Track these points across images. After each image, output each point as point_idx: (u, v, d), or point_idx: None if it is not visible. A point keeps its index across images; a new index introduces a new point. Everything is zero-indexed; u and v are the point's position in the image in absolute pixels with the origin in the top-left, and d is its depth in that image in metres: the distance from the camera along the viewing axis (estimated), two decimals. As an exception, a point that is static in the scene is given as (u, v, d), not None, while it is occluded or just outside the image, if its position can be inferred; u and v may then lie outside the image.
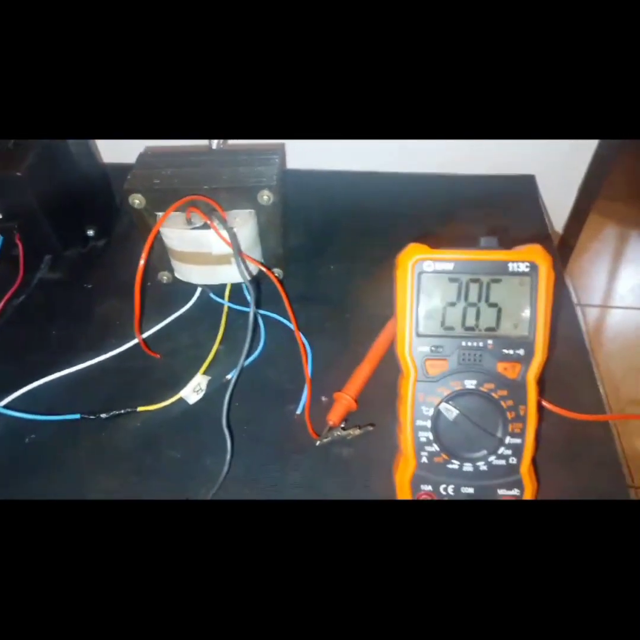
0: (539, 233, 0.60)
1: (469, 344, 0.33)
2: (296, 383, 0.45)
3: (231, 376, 0.44)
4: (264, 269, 0.48)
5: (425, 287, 0.33)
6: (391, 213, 0.60)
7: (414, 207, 0.61)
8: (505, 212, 0.61)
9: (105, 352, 0.48)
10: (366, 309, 0.52)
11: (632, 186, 1.87)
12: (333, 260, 0.57)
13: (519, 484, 0.34)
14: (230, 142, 0.56)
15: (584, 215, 0.79)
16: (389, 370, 0.37)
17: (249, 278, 0.45)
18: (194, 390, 0.45)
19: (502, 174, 0.66)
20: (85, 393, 0.45)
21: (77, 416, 0.43)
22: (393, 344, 0.35)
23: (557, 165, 0.68)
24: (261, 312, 0.51)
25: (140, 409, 0.44)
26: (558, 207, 0.74)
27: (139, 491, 0.40)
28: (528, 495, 0.34)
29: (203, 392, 0.45)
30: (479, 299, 0.33)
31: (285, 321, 0.50)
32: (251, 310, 0.42)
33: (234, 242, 0.44)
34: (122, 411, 0.44)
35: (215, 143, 0.53)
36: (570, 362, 0.47)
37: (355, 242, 0.59)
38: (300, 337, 0.46)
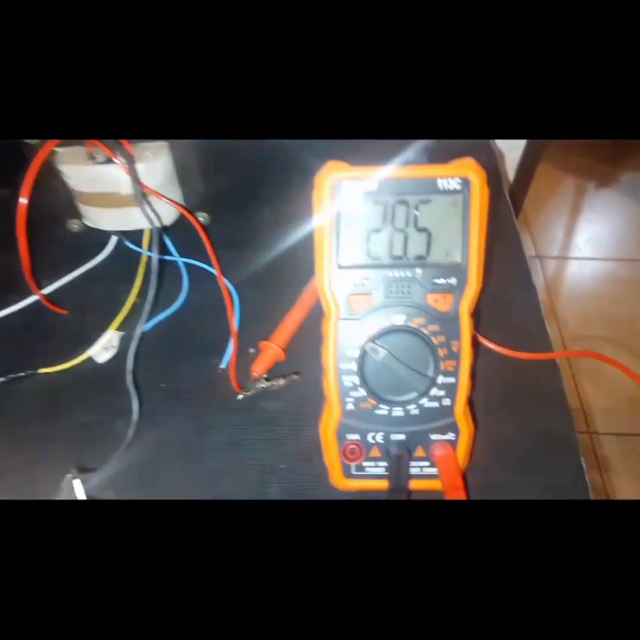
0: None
1: (396, 274, 0.30)
2: (222, 335, 0.41)
3: (138, 330, 0.39)
4: (181, 210, 0.43)
5: (347, 212, 0.29)
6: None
7: (356, 152, 0.56)
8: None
9: (3, 309, 0.42)
10: (301, 255, 0.47)
11: (590, 140, 1.85)
12: (266, 203, 0.52)
13: (453, 427, 0.31)
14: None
15: (533, 164, 0.76)
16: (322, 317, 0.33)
17: (157, 220, 0.40)
18: (104, 348, 0.40)
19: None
20: (-20, 355, 0.40)
21: (-32, 381, 0.38)
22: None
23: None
24: (185, 260, 0.46)
25: (42, 370, 0.39)
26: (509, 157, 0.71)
27: (40, 460, 0.35)
28: (464, 439, 0.31)
29: (116, 350, 0.41)
30: (407, 224, 0.29)
31: (210, 269, 0.45)
32: (154, 255, 0.37)
33: (136, 179, 0.39)
34: (21, 374, 0.39)
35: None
36: (518, 302, 0.44)
37: (291, 184, 0.54)
38: (225, 286, 0.42)
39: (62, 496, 0.28)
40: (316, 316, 0.33)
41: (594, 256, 1.58)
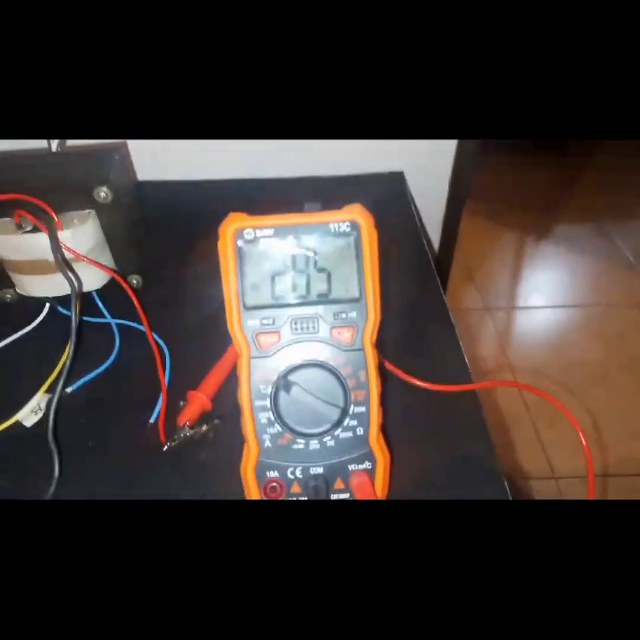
0: (409, 227, 0.60)
1: (301, 312, 0.31)
2: (152, 392, 0.42)
3: (60, 388, 0.39)
4: (111, 273, 0.45)
5: (249, 256, 0.31)
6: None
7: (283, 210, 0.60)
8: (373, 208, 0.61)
9: None
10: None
11: (525, 197, 2.00)
12: (200, 261, 0.55)
13: (369, 456, 0.31)
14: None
15: (456, 216, 0.81)
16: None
17: (82, 285, 0.42)
18: (32, 411, 0.40)
19: (371, 172, 0.67)
20: None
21: None
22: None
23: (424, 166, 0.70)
24: (117, 321, 0.47)
25: (-35, 438, 0.38)
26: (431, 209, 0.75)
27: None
28: (380, 467, 0.31)
29: (42, 412, 0.40)
30: (307, 265, 0.32)
31: (143, 328, 0.46)
32: (73, 315, 0.37)
33: (55, 244, 0.41)
34: (-56, 441, 0.38)
35: (55, 145, 0.49)
36: (438, 341, 0.46)
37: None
38: (154, 340, 0.43)
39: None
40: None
41: (541, 305, 1.66)
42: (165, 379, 0.42)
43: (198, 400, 0.39)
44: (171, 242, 0.57)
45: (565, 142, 2.17)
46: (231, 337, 0.43)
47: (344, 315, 0.31)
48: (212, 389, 0.40)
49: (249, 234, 0.31)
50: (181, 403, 0.41)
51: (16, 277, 0.46)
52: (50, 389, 0.42)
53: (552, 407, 0.39)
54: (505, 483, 0.36)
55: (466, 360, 0.44)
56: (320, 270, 0.32)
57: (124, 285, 0.45)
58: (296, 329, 0.31)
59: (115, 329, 0.47)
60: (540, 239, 1.89)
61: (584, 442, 0.37)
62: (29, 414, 0.40)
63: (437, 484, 0.36)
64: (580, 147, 2.15)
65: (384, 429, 0.32)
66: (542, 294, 1.67)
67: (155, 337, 0.44)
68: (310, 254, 0.32)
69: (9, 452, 0.38)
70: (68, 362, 0.37)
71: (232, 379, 0.42)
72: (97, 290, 0.47)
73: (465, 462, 0.37)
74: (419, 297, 0.50)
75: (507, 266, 1.77)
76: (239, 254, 0.31)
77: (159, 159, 0.66)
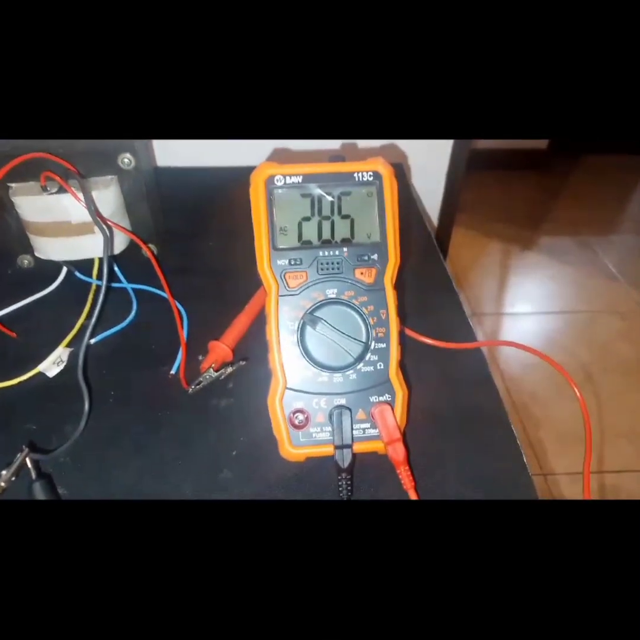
0: (412, 216, 0.63)
1: (326, 253, 0.34)
2: (171, 347, 0.43)
3: (88, 337, 0.40)
4: (132, 237, 0.46)
5: (278, 202, 0.33)
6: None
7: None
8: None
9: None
10: (245, 278, 0.51)
11: (509, 210, 2.07)
12: (211, 238, 0.57)
13: (389, 389, 0.33)
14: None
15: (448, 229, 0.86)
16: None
17: (110, 245, 0.43)
18: (54, 363, 0.41)
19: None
20: None
21: None
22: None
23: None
24: (133, 286, 0.49)
25: (-10, 386, 0.39)
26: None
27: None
28: (399, 399, 0.33)
29: (64, 364, 0.42)
30: (332, 212, 0.34)
31: (159, 292, 0.48)
32: (105, 260, 0.39)
33: (91, 205, 0.42)
34: (-31, 390, 0.39)
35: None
36: (445, 306, 0.49)
37: (234, 223, 0.59)
38: (174, 303, 0.44)
39: (14, 469, 0.28)
40: (262, 322, 0.35)
41: (527, 311, 1.70)
42: (183, 333, 0.43)
43: (219, 350, 0.40)
44: (182, 220, 0.59)
45: (545, 159, 2.25)
46: (246, 296, 0.46)
47: (366, 257, 0.34)
48: (232, 339, 0.41)
49: (279, 180, 0.33)
50: (200, 357, 0.42)
51: (36, 240, 0.47)
52: (71, 344, 0.43)
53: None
54: (512, 427, 0.38)
55: (470, 322, 0.47)
56: (344, 216, 0.34)
57: (145, 248, 0.47)
58: (322, 269, 0.33)
59: (132, 293, 0.48)
60: (524, 249, 1.94)
61: (583, 409, 0.39)
62: (51, 366, 0.41)
63: (447, 427, 0.38)
64: (562, 165, 2.24)
65: (402, 365, 0.34)
66: (528, 301, 1.72)
67: (172, 298, 0.46)
68: (335, 200, 0.34)
69: (33, 401, 0.39)
70: (97, 308, 0.38)
71: (250, 332, 0.43)
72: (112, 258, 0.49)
73: (474, 409, 0.39)
74: (425, 270, 0.53)
75: (493, 275, 1.81)
76: (269, 200, 0.33)
77: (169, 145, 0.68)
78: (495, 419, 0.39)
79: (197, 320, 0.46)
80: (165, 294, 0.45)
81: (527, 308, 1.70)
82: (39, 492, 0.28)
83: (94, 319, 0.39)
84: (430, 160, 0.76)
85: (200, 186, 0.65)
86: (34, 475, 0.29)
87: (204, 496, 0.33)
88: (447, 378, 0.42)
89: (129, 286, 0.49)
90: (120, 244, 0.49)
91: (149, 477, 0.34)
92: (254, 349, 0.42)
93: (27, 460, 0.29)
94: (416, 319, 0.46)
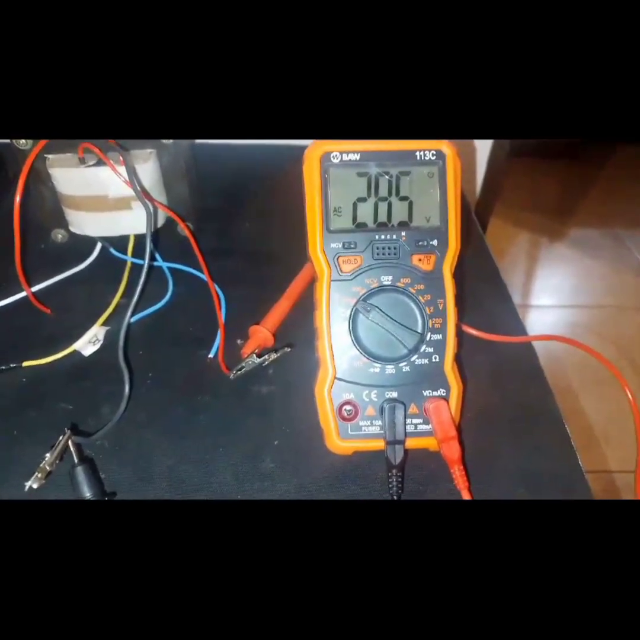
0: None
1: (383, 237, 0.32)
2: (209, 330, 0.42)
3: (128, 316, 0.39)
4: (170, 214, 0.45)
5: (334, 181, 0.31)
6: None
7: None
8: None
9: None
10: (283, 261, 0.49)
11: (538, 201, 2.01)
12: (248, 219, 0.55)
13: (444, 383, 0.32)
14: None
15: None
16: (310, 310, 0.34)
17: (152, 220, 0.42)
18: (90, 342, 0.40)
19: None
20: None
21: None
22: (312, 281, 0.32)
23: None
24: (169, 264, 0.47)
25: (26, 363, 0.38)
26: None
27: (20, 444, 0.34)
28: (454, 394, 0.32)
29: (100, 343, 0.40)
30: (390, 193, 0.32)
31: (196, 272, 0.46)
32: (147, 238, 0.37)
33: (134, 180, 0.41)
34: (4, 367, 0.38)
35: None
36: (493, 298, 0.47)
37: (271, 204, 0.57)
38: (212, 283, 0.43)
39: (57, 452, 0.27)
40: (304, 307, 0.33)
41: (552, 304, 1.67)
42: (222, 315, 0.42)
43: (261, 334, 0.39)
44: (219, 198, 0.57)
45: (576, 148, 2.18)
46: (281, 278, 0.44)
47: (424, 243, 0.32)
48: (274, 324, 0.40)
49: (335, 157, 0.31)
50: (238, 341, 0.41)
51: (72, 214, 0.46)
52: (106, 323, 0.42)
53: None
54: (566, 426, 0.36)
55: (519, 315, 0.44)
56: (402, 198, 0.32)
57: (183, 227, 0.45)
58: (377, 254, 0.31)
59: (167, 272, 0.47)
60: (553, 241, 1.90)
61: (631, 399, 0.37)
62: (86, 344, 0.40)
63: (498, 424, 0.36)
64: (591, 154, 2.17)
65: (458, 358, 0.32)
66: (554, 294, 1.68)
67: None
68: (393, 180, 0.32)
69: (67, 380, 0.38)
70: (140, 287, 0.37)
71: (292, 316, 0.42)
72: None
73: (525, 406, 0.37)
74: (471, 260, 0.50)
75: (520, 266, 1.77)
76: (324, 178, 0.31)
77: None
78: (547, 415, 0.37)
79: (233, 303, 0.44)
80: (202, 275, 0.43)
81: (553, 300, 1.67)
82: (82, 478, 0.27)
83: (135, 298, 0.37)
84: (467, 148, 0.73)
85: (237, 163, 0.63)
86: (76, 459, 0.28)
87: (246, 485, 0.32)
88: (496, 372, 0.40)
89: (165, 265, 0.47)
90: (157, 221, 0.47)
91: (189, 463, 0.33)
92: (295, 335, 0.40)
93: (69, 443, 0.28)
94: (462, 310, 0.44)
